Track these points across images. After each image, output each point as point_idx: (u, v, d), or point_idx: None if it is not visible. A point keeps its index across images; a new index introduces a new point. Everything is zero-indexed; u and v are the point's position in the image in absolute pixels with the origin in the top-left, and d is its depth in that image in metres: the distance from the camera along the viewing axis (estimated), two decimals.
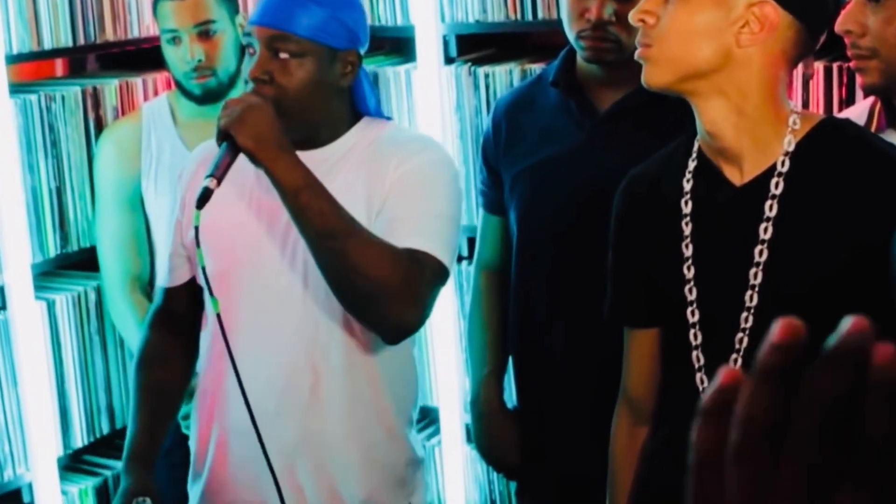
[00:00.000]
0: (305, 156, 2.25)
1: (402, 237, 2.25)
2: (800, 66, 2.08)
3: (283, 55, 2.27)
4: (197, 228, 2.13)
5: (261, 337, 2.38)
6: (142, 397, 2.55)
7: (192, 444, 2.57)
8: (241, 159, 2.20)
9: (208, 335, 2.48)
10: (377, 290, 2.20)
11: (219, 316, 2.15)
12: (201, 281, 2.23)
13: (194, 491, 2.56)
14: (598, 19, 2.48)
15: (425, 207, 2.32)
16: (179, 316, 2.57)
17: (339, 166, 2.37)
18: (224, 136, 2.16)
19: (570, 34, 2.56)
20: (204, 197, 2.13)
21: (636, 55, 1.92)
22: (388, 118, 2.52)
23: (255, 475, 2.38)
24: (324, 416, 2.40)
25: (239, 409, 2.24)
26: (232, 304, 2.33)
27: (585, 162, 2.57)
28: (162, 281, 2.59)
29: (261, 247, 2.38)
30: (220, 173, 2.15)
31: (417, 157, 2.37)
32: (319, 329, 2.36)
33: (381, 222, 2.28)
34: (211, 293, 2.16)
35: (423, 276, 2.26)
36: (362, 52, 2.38)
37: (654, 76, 1.90)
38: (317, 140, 2.39)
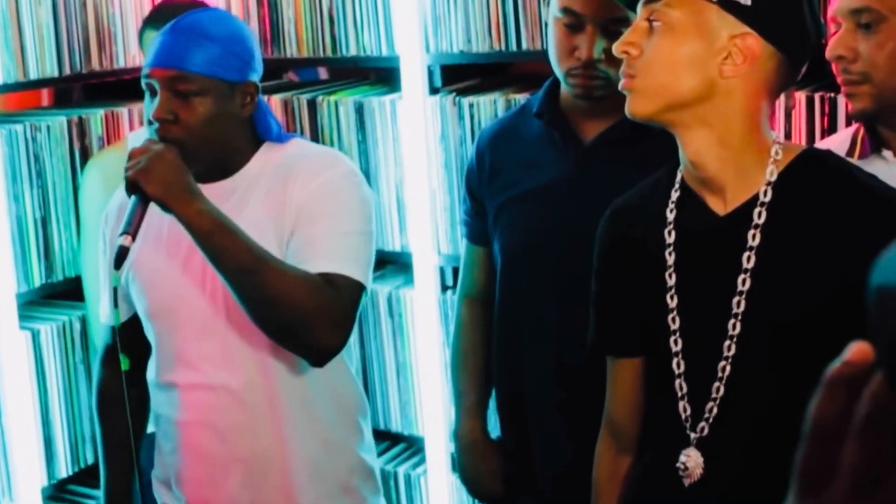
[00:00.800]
0: (214, 187, 2.39)
1: (316, 261, 2.34)
2: (781, 97, 2.10)
3: (184, 94, 2.33)
4: (115, 289, 2.25)
5: (194, 369, 2.48)
6: (109, 445, 2.70)
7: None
8: None
9: (155, 367, 2.58)
10: (297, 320, 2.30)
11: (114, 329, 2.31)
12: (115, 338, 2.37)
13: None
14: (588, 58, 2.48)
15: (334, 227, 2.39)
16: (128, 351, 2.54)
17: (248, 194, 2.45)
18: (133, 187, 2.23)
19: (559, 71, 2.56)
20: (121, 256, 2.20)
21: (620, 86, 1.93)
22: (291, 136, 2.58)
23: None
24: (259, 438, 2.48)
25: (187, 432, 2.51)
26: (167, 339, 2.50)
27: (569, 192, 2.58)
28: (105, 319, 2.66)
29: (182, 284, 2.46)
30: (133, 229, 2.22)
31: (322, 175, 2.43)
32: (246, 356, 2.44)
33: (294, 247, 2.37)
34: (121, 350, 2.29)
35: (340, 299, 2.35)
36: (257, 80, 2.46)
37: (637, 106, 1.92)
38: (224, 170, 2.48)
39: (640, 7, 1.92)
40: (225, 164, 2.47)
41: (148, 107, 2.37)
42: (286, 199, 2.41)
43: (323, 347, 2.36)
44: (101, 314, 2.68)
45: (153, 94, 2.35)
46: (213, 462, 2.50)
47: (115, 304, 2.27)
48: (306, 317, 2.30)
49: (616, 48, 1.92)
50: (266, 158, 2.49)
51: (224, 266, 2.26)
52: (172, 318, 2.48)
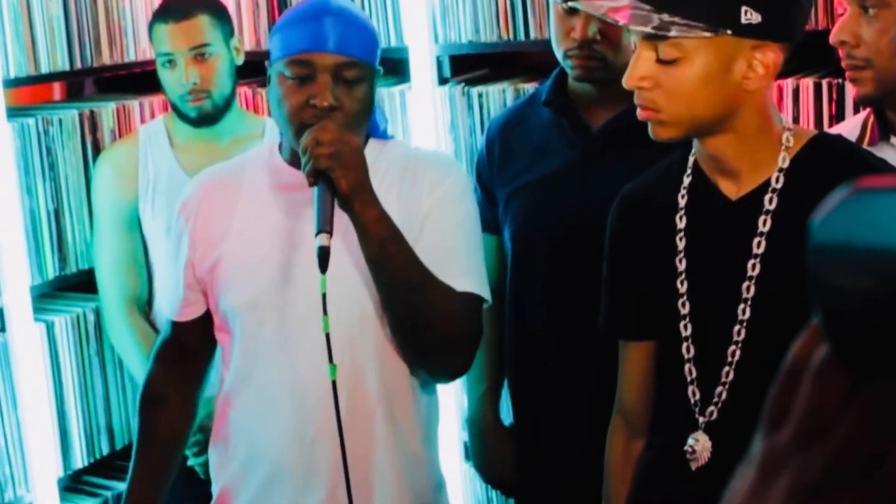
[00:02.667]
0: None
1: (457, 278, 2.27)
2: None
3: (349, 80, 2.23)
4: (324, 295, 2.04)
5: (289, 365, 2.32)
6: (144, 443, 2.54)
7: (213, 471, 2.51)
8: (257, 173, 2.30)
9: (237, 367, 2.40)
10: (445, 339, 2.27)
11: (327, 335, 2.07)
12: (328, 343, 2.09)
13: None
14: (582, 38, 2.51)
15: (467, 240, 2.34)
16: (189, 350, 2.52)
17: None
18: (320, 176, 2.10)
19: (559, 53, 2.59)
20: (324, 258, 2.05)
21: (640, 116, 1.94)
22: (391, 136, 2.50)
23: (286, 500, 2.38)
24: (359, 442, 2.30)
25: (269, 437, 2.33)
26: (258, 334, 2.33)
27: (579, 180, 2.60)
28: (172, 314, 2.50)
29: (287, 275, 2.30)
30: (330, 226, 2.09)
31: (446, 180, 2.36)
32: (353, 355, 2.29)
33: (428, 252, 2.24)
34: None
35: (478, 322, 2.33)
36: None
37: (663, 134, 1.93)
38: None
39: (636, 39, 1.91)
40: None
41: (275, 90, 2.26)
42: (414, 197, 2.32)
43: (460, 367, 2.37)
44: (169, 308, 2.51)
45: (301, 77, 2.22)
46: (298, 471, 2.34)
47: (325, 312, 2.03)
48: (455, 341, 2.29)
49: (627, 83, 1.92)
50: (381, 156, 2.37)
51: (391, 277, 2.19)
52: (269, 311, 2.31)
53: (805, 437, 0.68)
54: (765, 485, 0.70)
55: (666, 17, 1.84)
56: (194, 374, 2.54)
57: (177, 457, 2.57)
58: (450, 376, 2.45)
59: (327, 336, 2.06)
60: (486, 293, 2.34)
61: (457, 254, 2.32)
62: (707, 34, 1.84)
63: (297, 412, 2.32)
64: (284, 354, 2.32)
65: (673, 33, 1.84)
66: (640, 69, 1.89)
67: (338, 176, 2.09)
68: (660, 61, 1.87)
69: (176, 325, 2.50)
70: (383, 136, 2.44)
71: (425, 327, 2.25)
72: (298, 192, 2.26)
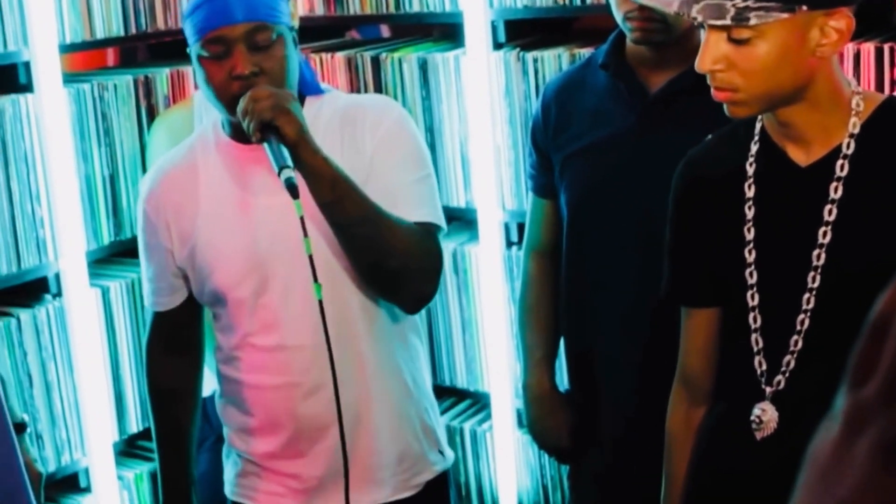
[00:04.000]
0: None
1: (408, 209, 2.37)
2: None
3: (263, 44, 2.28)
4: (302, 218, 2.11)
5: (276, 331, 2.43)
6: (164, 438, 2.67)
7: (227, 431, 2.63)
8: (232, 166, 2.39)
9: (232, 336, 2.51)
10: (405, 269, 2.36)
11: (321, 302, 2.16)
12: (307, 266, 2.16)
13: (231, 470, 2.64)
14: None
15: (412, 173, 2.42)
16: (184, 334, 2.61)
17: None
18: (268, 128, 2.17)
19: (618, 16, 2.56)
20: (294, 187, 2.12)
21: (716, 97, 1.91)
22: (325, 87, 2.54)
23: (297, 450, 2.50)
24: (354, 386, 2.44)
25: (275, 393, 2.46)
26: (247, 306, 2.43)
27: (636, 144, 2.57)
28: (159, 305, 2.58)
29: (263, 247, 2.39)
30: (289, 162, 2.16)
31: (384, 120, 2.43)
32: (330, 313, 2.31)
33: (378, 192, 2.32)
34: (315, 280, 2.17)
35: (436, 248, 2.44)
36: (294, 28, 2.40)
37: (743, 112, 1.91)
38: None
39: (705, 25, 1.87)
40: None
41: (199, 74, 2.32)
42: (357, 142, 2.40)
43: (424, 295, 2.45)
44: (152, 301, 2.59)
45: (218, 54, 2.28)
46: (303, 420, 2.47)
47: (305, 234, 2.11)
48: (414, 266, 2.37)
49: (700, 67, 1.89)
50: (321, 111, 2.44)
51: (343, 216, 2.26)
52: (249, 286, 2.42)
53: (892, 392, 0.67)
54: (850, 440, 0.69)
55: (739, 2, 1.80)
56: (192, 358, 2.65)
57: (195, 429, 2.69)
58: (416, 304, 2.49)
59: (310, 257, 2.12)
60: (439, 220, 2.45)
61: (405, 187, 2.41)
62: (784, 15, 1.80)
63: (295, 366, 2.43)
64: (275, 318, 2.42)
65: (752, 21, 1.80)
66: (711, 52, 1.85)
67: (282, 123, 2.16)
68: (731, 40, 1.84)
69: (161, 315, 2.59)
70: (317, 90, 2.49)
71: (384, 260, 2.33)
72: (251, 166, 2.39)
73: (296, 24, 3.24)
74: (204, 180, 2.46)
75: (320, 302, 2.16)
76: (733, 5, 1.80)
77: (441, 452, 2.65)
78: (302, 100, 2.43)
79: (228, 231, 2.42)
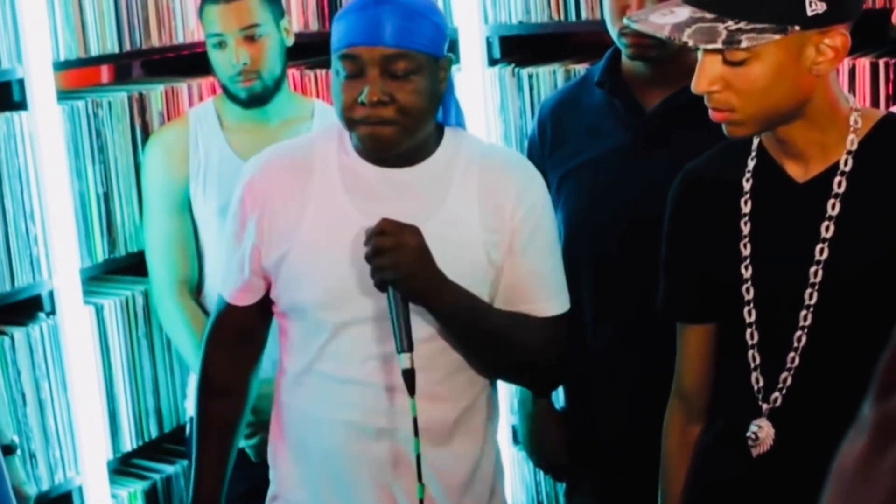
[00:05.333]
0: (407, 173, 2.27)
1: (546, 304, 2.34)
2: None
3: (400, 74, 2.16)
4: (415, 419, 2.12)
5: (356, 364, 2.30)
6: (208, 434, 2.51)
7: (275, 461, 2.49)
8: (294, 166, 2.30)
9: (299, 358, 2.38)
10: (540, 368, 2.40)
11: (415, 419, 2.15)
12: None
13: None
14: None
15: (555, 260, 2.38)
16: (247, 334, 2.47)
17: (447, 184, 2.30)
18: (384, 286, 2.14)
19: (613, 32, 2.56)
20: (410, 380, 2.12)
21: (713, 117, 1.90)
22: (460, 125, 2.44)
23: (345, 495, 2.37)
24: (425, 443, 2.26)
25: (332, 431, 2.33)
26: (325, 330, 2.30)
27: (632, 161, 2.57)
28: (230, 297, 2.44)
29: (357, 275, 2.25)
30: (410, 343, 2.13)
31: (532, 191, 2.34)
32: (431, 350, 2.27)
33: (522, 276, 2.31)
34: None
35: (564, 338, 2.38)
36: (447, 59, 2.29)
37: (741, 132, 1.91)
38: (416, 155, 2.30)
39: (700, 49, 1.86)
40: (421, 148, 2.29)
41: (334, 85, 2.21)
42: (499, 204, 2.29)
43: (555, 381, 2.58)
44: (226, 291, 2.43)
45: (353, 72, 2.17)
46: (370, 465, 2.33)
47: (412, 393, 2.13)
48: (547, 364, 2.38)
49: (696, 89, 1.88)
50: (459, 149, 2.32)
51: (478, 342, 2.28)
52: (340, 309, 2.27)
53: None
54: (879, 451, 0.68)
55: (731, 24, 1.79)
56: (252, 357, 2.50)
57: (237, 440, 2.55)
58: (545, 390, 2.68)
59: (415, 420, 2.12)
60: (568, 304, 2.40)
61: (549, 277, 2.36)
62: (777, 36, 1.79)
63: (361, 409, 2.31)
64: (349, 354, 2.30)
65: (744, 44, 1.80)
66: (707, 74, 1.85)
67: (404, 287, 2.13)
68: (727, 62, 1.84)
69: (234, 309, 2.44)
70: (459, 123, 2.39)
71: (512, 364, 2.37)
72: (369, 186, 2.27)
73: (291, 40, 3.26)
74: (318, 187, 2.30)
75: (414, 419, 2.13)
76: (725, 28, 1.80)
77: None
78: (440, 130, 2.34)
79: (329, 250, 2.27)
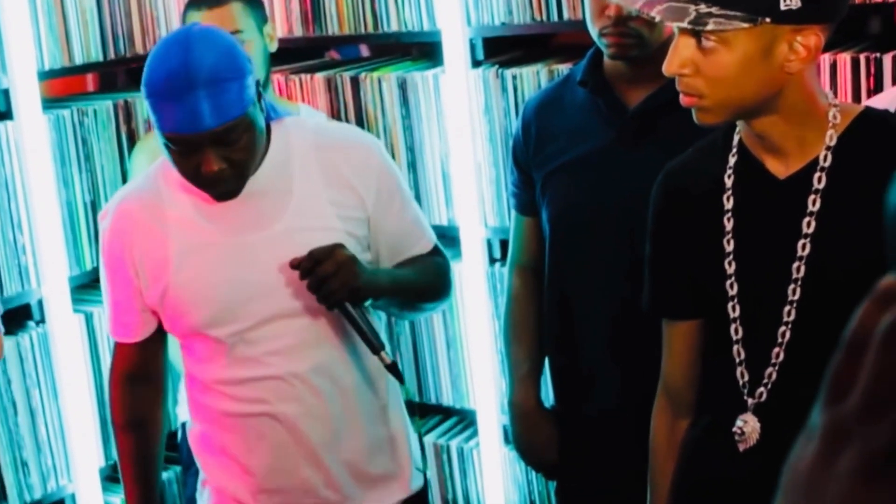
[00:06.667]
0: (254, 180, 2.37)
1: (419, 246, 2.57)
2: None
3: (232, 140, 2.23)
4: (396, 372, 2.43)
5: (260, 363, 2.42)
6: (130, 467, 2.62)
7: (199, 450, 2.60)
8: (185, 197, 2.39)
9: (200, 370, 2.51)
10: (443, 301, 2.69)
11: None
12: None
13: (207, 492, 2.62)
14: (617, 15, 2.49)
15: (410, 204, 2.58)
16: (150, 367, 2.57)
17: (287, 172, 2.40)
18: (340, 304, 2.31)
19: (593, 32, 2.57)
20: (396, 369, 2.41)
21: (683, 103, 1.92)
22: (281, 112, 2.51)
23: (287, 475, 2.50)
24: (329, 421, 2.47)
25: (250, 424, 2.46)
26: (220, 345, 2.42)
27: (616, 159, 2.58)
28: (125, 338, 2.53)
29: (242, 288, 2.38)
30: (380, 341, 2.38)
31: (371, 153, 2.49)
32: (313, 344, 2.43)
33: (389, 240, 2.50)
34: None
35: (447, 261, 2.66)
36: (257, 79, 2.34)
37: (708, 119, 1.92)
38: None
39: (675, 28, 1.89)
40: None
41: (169, 156, 2.28)
42: (345, 183, 2.42)
43: (446, 301, 2.72)
44: (118, 332, 2.54)
45: (184, 150, 2.24)
46: (285, 451, 2.47)
47: (402, 381, 2.50)
48: (448, 283, 2.64)
49: (667, 70, 1.90)
50: (290, 138, 2.43)
51: (404, 301, 2.58)
52: (231, 322, 2.39)
53: (873, 407, 0.67)
54: (831, 456, 0.69)
55: (703, 7, 1.81)
56: (155, 388, 2.61)
57: (159, 467, 2.68)
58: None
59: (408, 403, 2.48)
60: (433, 235, 2.64)
61: (417, 220, 2.59)
62: (745, 25, 1.81)
63: (275, 399, 2.44)
64: (251, 356, 2.42)
65: (710, 27, 1.81)
66: (679, 56, 1.87)
67: (358, 298, 2.34)
68: (699, 48, 1.86)
69: (127, 347, 2.54)
70: (277, 114, 2.45)
71: (426, 308, 2.71)
72: (223, 204, 2.37)
73: (274, 46, 3.26)
74: (173, 218, 2.41)
75: (408, 402, 2.48)
76: (696, 9, 1.82)
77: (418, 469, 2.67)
78: (267, 128, 2.40)
79: (204, 273, 2.38)
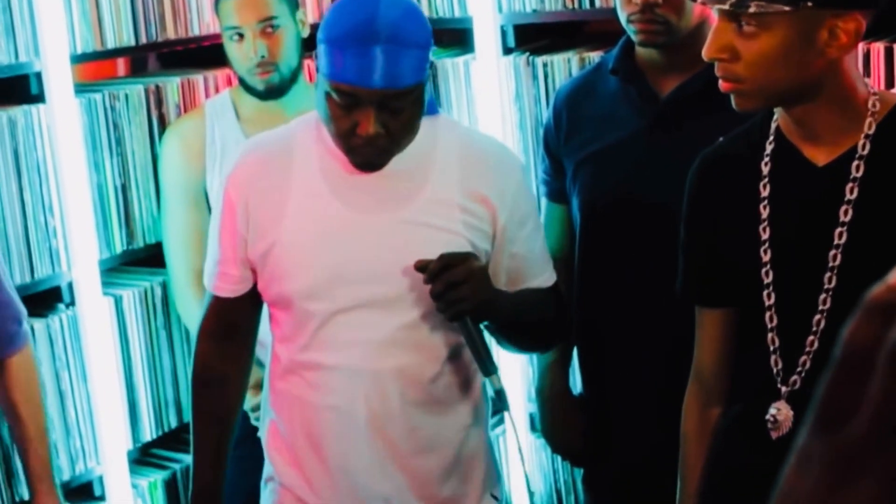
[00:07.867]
0: (392, 170, 2.30)
1: (542, 278, 2.45)
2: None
3: (395, 108, 2.18)
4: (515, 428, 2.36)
5: (343, 351, 2.34)
6: (204, 425, 2.54)
7: (269, 445, 2.53)
8: (295, 164, 2.33)
9: (290, 347, 2.42)
10: (553, 333, 2.57)
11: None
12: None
13: (270, 489, 2.54)
14: (644, 2, 2.49)
15: (541, 234, 2.50)
16: (240, 325, 2.50)
17: (426, 171, 2.34)
18: (462, 316, 2.22)
19: (622, 18, 2.57)
20: (504, 398, 2.27)
21: (722, 88, 1.92)
22: (437, 111, 2.47)
23: (350, 482, 2.40)
24: (420, 426, 2.38)
25: (321, 416, 2.37)
26: (314, 321, 2.34)
27: (647, 148, 2.58)
28: (222, 291, 2.45)
29: (342, 265, 2.31)
30: (493, 364, 2.26)
31: (513, 177, 2.39)
32: (406, 344, 2.33)
33: (514, 262, 2.39)
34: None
35: (564, 303, 2.55)
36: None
37: (746, 104, 1.93)
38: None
39: (715, 11, 1.89)
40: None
41: (322, 103, 2.22)
42: (481, 187, 2.33)
43: (555, 344, 2.68)
44: (214, 285, 2.45)
45: (346, 104, 2.18)
46: (355, 452, 2.37)
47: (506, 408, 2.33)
48: (561, 326, 2.55)
49: (706, 54, 1.90)
50: (437, 137, 2.36)
51: (517, 331, 2.47)
52: (327, 299, 2.31)
53: (888, 430, 0.62)
54: (841, 486, 0.64)
55: None
56: (243, 348, 2.54)
57: (234, 429, 2.58)
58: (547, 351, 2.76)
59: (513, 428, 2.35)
60: (555, 273, 2.51)
61: (542, 252, 2.47)
62: (787, 8, 1.81)
63: (350, 395, 2.34)
64: (337, 341, 2.34)
65: (752, 10, 1.81)
66: (718, 40, 1.87)
67: (483, 313, 2.26)
68: (739, 33, 1.85)
69: (222, 301, 2.46)
70: (432, 111, 2.40)
71: (541, 336, 2.55)
72: (353, 177, 2.31)
73: (307, 31, 3.27)
74: (299, 178, 2.34)
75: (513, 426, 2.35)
76: None
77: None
78: None
79: (313, 241, 2.32)
